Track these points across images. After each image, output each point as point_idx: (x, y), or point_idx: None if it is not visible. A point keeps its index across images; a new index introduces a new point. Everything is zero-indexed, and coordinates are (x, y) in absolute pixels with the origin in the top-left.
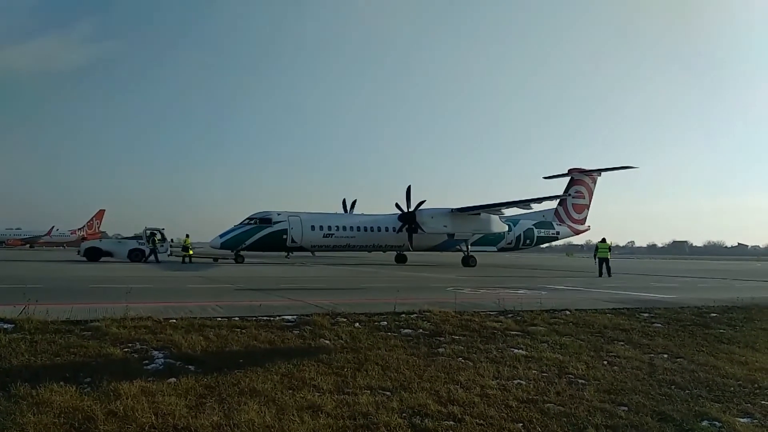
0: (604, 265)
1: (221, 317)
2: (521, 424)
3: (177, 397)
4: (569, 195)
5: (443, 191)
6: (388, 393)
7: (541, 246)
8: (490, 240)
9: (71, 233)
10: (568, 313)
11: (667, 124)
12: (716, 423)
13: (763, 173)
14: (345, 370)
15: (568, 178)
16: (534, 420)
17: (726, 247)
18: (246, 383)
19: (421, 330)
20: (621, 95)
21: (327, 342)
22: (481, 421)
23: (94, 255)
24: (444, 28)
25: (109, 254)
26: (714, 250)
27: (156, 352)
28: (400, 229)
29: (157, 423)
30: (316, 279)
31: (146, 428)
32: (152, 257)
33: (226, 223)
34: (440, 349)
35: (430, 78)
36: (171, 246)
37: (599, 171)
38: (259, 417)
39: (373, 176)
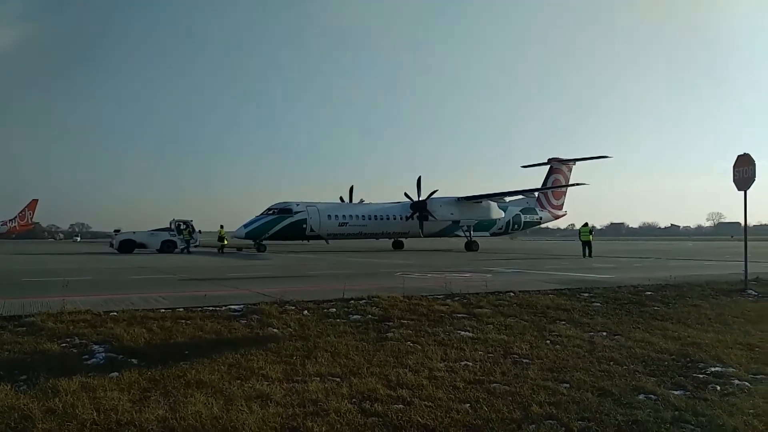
0: (586, 247)
1: (165, 308)
2: (468, 405)
3: (120, 392)
4: (574, 185)
5: (425, 179)
6: (337, 379)
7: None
8: (484, 226)
9: (2, 224)
10: (512, 294)
11: (608, 113)
12: (652, 396)
13: (694, 159)
14: (294, 358)
15: (546, 167)
16: (480, 400)
17: (660, 228)
18: (192, 375)
19: (370, 315)
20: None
21: (275, 330)
22: (430, 403)
23: (128, 247)
24: (429, 27)
25: (142, 246)
26: (648, 231)
27: (96, 347)
28: (410, 217)
29: (99, 419)
30: (264, 267)
31: (87, 425)
32: (186, 248)
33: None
34: (389, 334)
35: (421, 75)
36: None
37: (574, 160)
38: (206, 408)
39: (369, 166)
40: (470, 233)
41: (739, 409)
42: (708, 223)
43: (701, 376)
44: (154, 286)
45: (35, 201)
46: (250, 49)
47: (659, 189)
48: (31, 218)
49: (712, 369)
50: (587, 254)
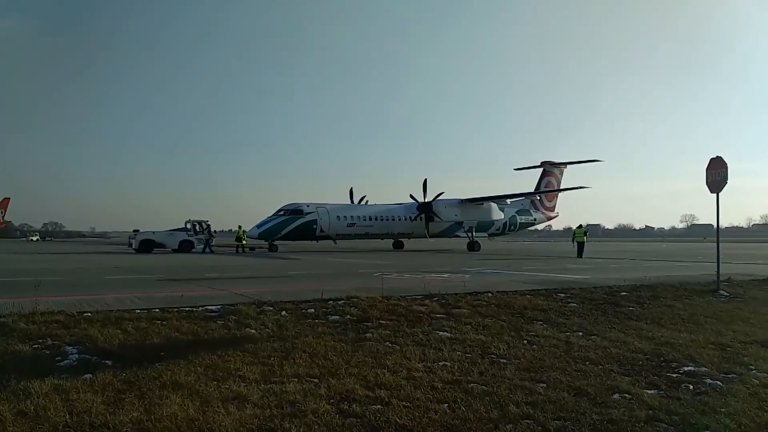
0: (579, 247)
1: (140, 309)
2: (446, 405)
3: (93, 394)
4: (574, 188)
5: (415, 180)
6: (315, 380)
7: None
8: (483, 227)
9: None
10: (490, 295)
11: (589, 119)
12: (626, 395)
13: (669, 161)
14: (272, 359)
15: (539, 170)
16: (458, 400)
17: (635, 229)
18: (168, 376)
19: (348, 316)
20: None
21: (253, 331)
22: (408, 404)
23: (147, 247)
24: (426, 38)
25: (161, 246)
26: (624, 233)
27: (69, 348)
28: (415, 218)
29: (72, 422)
30: (242, 268)
31: (60, 428)
32: (207, 248)
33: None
34: (368, 335)
35: (419, 81)
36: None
37: (566, 164)
38: (182, 410)
39: (368, 166)
40: (472, 234)
41: (711, 408)
42: (681, 225)
43: (675, 375)
44: (129, 286)
45: (7, 199)
46: (254, 51)
47: (635, 191)
48: (2, 217)
49: (686, 368)
50: (580, 254)
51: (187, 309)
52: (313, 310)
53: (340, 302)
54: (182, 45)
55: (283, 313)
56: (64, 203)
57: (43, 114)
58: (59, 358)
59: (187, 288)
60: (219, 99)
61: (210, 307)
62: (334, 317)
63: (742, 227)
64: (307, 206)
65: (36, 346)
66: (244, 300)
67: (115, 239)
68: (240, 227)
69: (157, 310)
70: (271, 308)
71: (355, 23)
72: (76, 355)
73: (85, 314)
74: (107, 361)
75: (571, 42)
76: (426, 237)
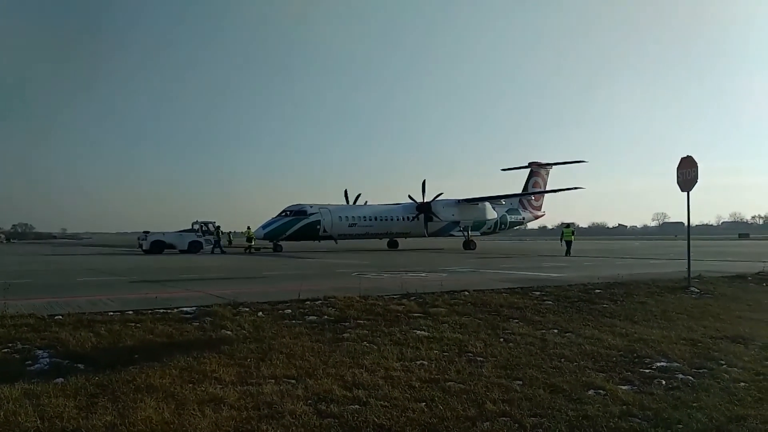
0: (568, 246)
1: (113, 311)
2: (424, 404)
3: (65, 399)
4: (569, 189)
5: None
6: (293, 381)
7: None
8: (477, 226)
9: None
10: (467, 293)
11: (564, 118)
12: (601, 391)
13: (641, 160)
14: (248, 360)
15: (527, 170)
16: (436, 399)
17: (608, 227)
18: (142, 379)
19: (326, 316)
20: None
21: (229, 333)
22: (386, 403)
23: (158, 248)
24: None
25: (171, 246)
26: (597, 231)
27: (40, 352)
28: (413, 218)
29: (44, 427)
30: (217, 268)
31: None
32: (217, 249)
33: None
34: (345, 335)
35: (414, 83)
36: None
37: (552, 164)
38: (157, 413)
39: (365, 166)
40: (468, 233)
41: (683, 403)
42: (653, 223)
43: (647, 371)
44: (102, 288)
45: None
46: (255, 52)
47: (608, 189)
48: None
49: (658, 364)
50: (568, 253)
51: (161, 311)
52: (290, 310)
53: (317, 302)
54: (187, 49)
55: (260, 314)
56: (36, 205)
57: (43, 115)
58: (29, 362)
59: (161, 289)
60: (218, 100)
61: (185, 309)
62: (311, 317)
63: (711, 225)
64: (311, 207)
65: (5, 350)
66: (219, 301)
67: (87, 240)
68: (249, 228)
69: (130, 312)
70: (247, 309)
71: (353, 27)
72: (47, 359)
73: (57, 317)
74: (79, 365)
75: (556, 48)
76: (425, 236)
